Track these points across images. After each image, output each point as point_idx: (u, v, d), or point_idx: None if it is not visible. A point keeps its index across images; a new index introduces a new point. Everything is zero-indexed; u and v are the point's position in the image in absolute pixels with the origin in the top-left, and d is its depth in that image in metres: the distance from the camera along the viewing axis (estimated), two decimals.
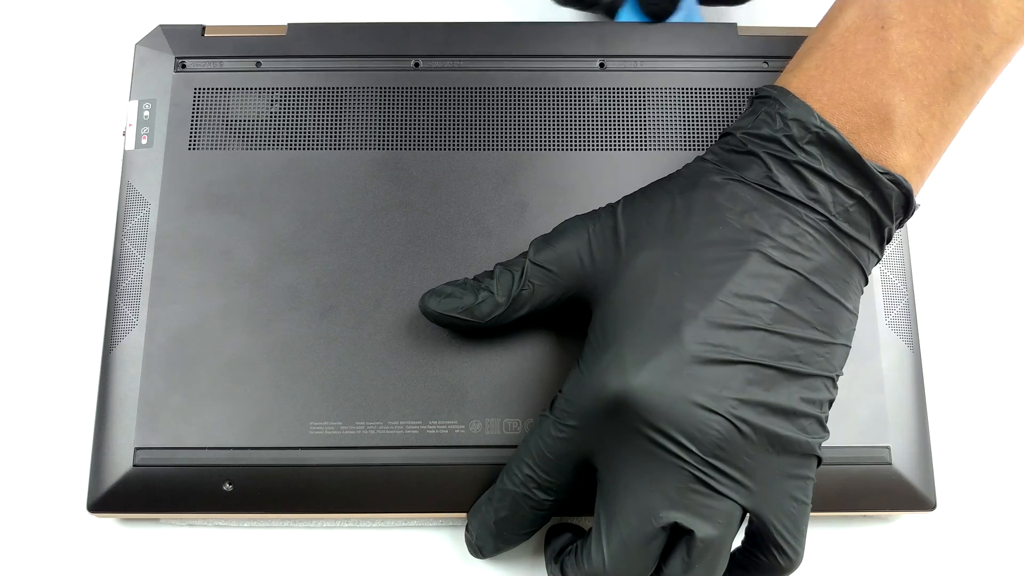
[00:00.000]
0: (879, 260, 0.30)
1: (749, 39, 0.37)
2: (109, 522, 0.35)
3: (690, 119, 0.36)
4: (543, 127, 0.36)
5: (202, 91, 0.36)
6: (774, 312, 0.27)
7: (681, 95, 0.37)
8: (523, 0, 0.43)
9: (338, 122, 0.36)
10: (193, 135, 0.36)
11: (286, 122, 0.36)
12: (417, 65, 0.37)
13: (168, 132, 0.36)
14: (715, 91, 0.37)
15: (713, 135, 0.36)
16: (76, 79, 0.41)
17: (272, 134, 0.36)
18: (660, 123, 0.36)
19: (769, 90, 0.30)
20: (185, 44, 0.37)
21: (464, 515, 0.32)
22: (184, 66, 0.37)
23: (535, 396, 0.33)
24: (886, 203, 0.29)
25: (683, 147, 0.36)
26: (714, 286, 0.27)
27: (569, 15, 0.41)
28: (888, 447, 0.33)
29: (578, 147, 0.36)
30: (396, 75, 0.37)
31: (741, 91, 0.37)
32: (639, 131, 0.36)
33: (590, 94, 0.37)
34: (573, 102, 0.36)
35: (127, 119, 0.36)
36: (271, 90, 0.36)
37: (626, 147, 0.36)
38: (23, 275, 0.38)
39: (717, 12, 0.41)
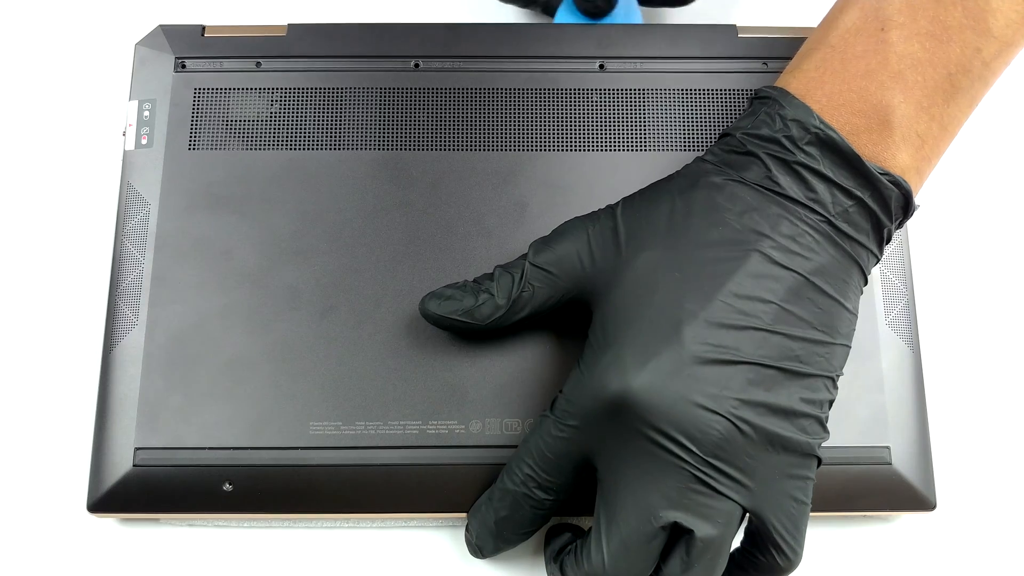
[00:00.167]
0: (878, 260, 0.30)
1: (748, 40, 0.37)
2: (109, 522, 0.35)
3: (690, 120, 0.36)
4: (543, 128, 0.36)
5: (202, 91, 0.36)
6: (774, 312, 0.27)
7: (681, 96, 0.37)
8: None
9: (338, 122, 0.36)
10: (193, 135, 0.36)
11: (286, 122, 0.36)
12: (417, 66, 0.37)
13: (168, 132, 0.36)
14: (715, 92, 0.37)
15: (712, 136, 0.36)
16: (76, 79, 0.41)
17: (272, 134, 0.36)
18: (660, 124, 0.36)
19: (769, 91, 0.30)
20: (185, 44, 0.37)
21: (464, 515, 0.32)
22: (184, 66, 0.37)
23: (535, 396, 0.33)
24: (885, 204, 0.29)
25: (683, 148, 0.36)
26: (714, 286, 0.27)
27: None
28: (888, 447, 0.33)
29: (578, 148, 0.36)
30: (396, 76, 0.37)
31: (740, 92, 0.37)
32: (639, 132, 0.36)
33: (590, 95, 0.37)
34: (573, 103, 0.36)
35: (127, 119, 0.36)
36: (271, 90, 0.36)
37: (626, 148, 0.36)
38: (23, 275, 0.38)
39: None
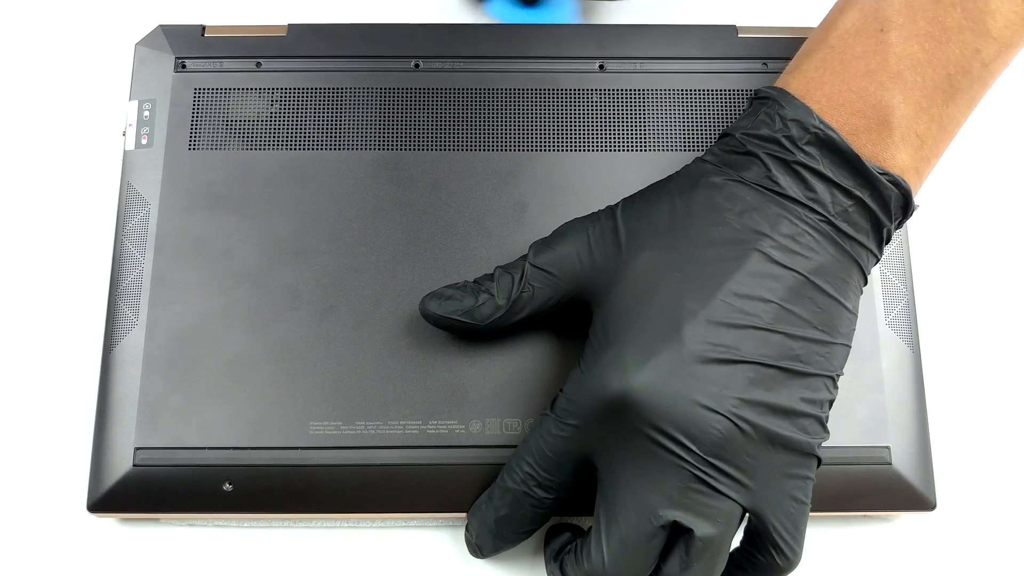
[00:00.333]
0: (878, 260, 0.30)
1: (748, 40, 0.37)
2: (109, 522, 0.35)
3: (690, 120, 0.36)
4: (543, 128, 0.36)
5: (202, 91, 0.36)
6: (774, 311, 0.27)
7: (680, 96, 0.37)
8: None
9: (338, 122, 0.36)
10: (193, 135, 0.36)
11: (286, 122, 0.36)
12: (417, 66, 0.37)
13: (168, 132, 0.36)
14: (714, 92, 0.37)
15: (712, 136, 0.36)
16: (76, 79, 0.41)
17: (272, 134, 0.36)
18: (660, 124, 0.36)
19: (768, 91, 0.30)
20: (185, 44, 0.37)
21: (464, 515, 0.32)
22: (184, 66, 0.37)
23: (535, 396, 0.33)
24: (885, 204, 0.29)
25: (683, 148, 0.36)
26: (714, 285, 0.28)
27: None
28: (888, 447, 0.33)
29: (578, 148, 0.36)
30: (396, 76, 0.37)
31: (740, 92, 0.37)
32: (639, 132, 0.36)
33: (590, 95, 0.37)
34: (573, 103, 0.36)
35: (127, 119, 0.36)
36: (271, 90, 0.36)
37: (626, 148, 0.36)
38: (23, 275, 0.38)
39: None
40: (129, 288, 0.34)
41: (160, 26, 0.37)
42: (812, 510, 0.29)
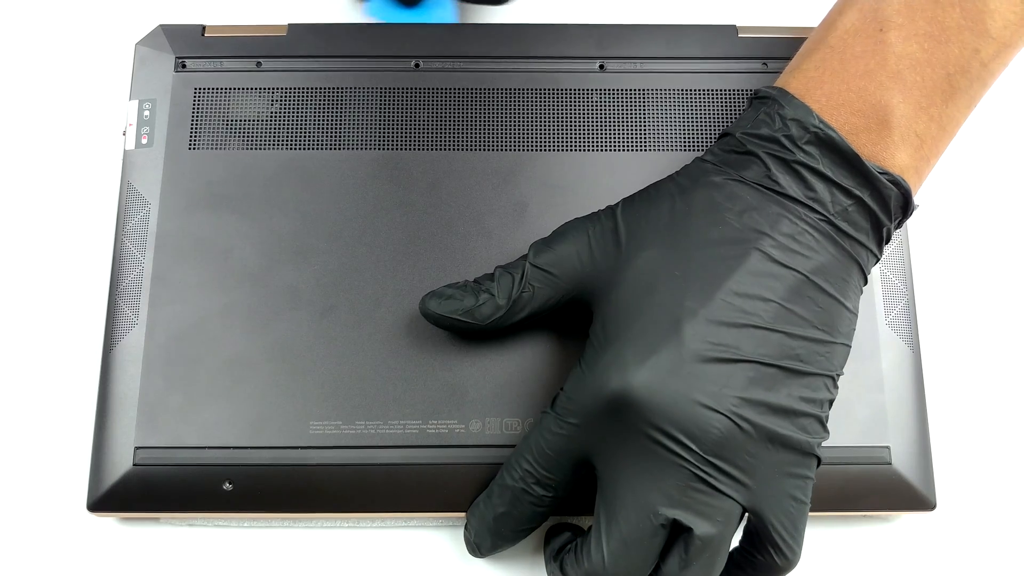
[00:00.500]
0: (878, 260, 0.30)
1: (748, 40, 0.37)
2: (109, 521, 0.35)
3: (690, 120, 0.36)
4: (543, 128, 0.36)
5: (202, 91, 0.36)
6: (775, 311, 0.27)
7: (681, 96, 0.37)
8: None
9: (338, 122, 0.36)
10: (193, 135, 0.36)
11: (286, 122, 0.36)
12: (417, 66, 0.37)
13: (168, 132, 0.36)
14: (714, 92, 0.37)
15: (712, 136, 0.36)
16: (76, 79, 0.41)
17: (272, 134, 0.36)
18: (660, 124, 0.36)
19: (768, 90, 0.30)
20: (185, 44, 0.37)
21: (464, 515, 0.32)
22: (184, 66, 0.37)
23: (535, 396, 0.33)
24: (885, 203, 0.29)
25: (683, 148, 0.36)
26: (714, 284, 0.28)
27: (565, 17, 0.41)
28: (888, 447, 0.33)
29: (578, 148, 0.36)
30: (396, 76, 0.37)
31: (740, 92, 0.37)
32: (639, 132, 0.36)
33: (590, 95, 0.37)
34: (573, 103, 0.36)
35: (127, 119, 0.36)
36: (271, 90, 0.36)
37: (626, 148, 0.36)
38: (23, 274, 0.38)
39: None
40: (129, 288, 0.34)
41: (160, 26, 0.37)
42: (812, 510, 0.29)
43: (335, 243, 0.35)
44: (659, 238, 0.29)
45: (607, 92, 0.37)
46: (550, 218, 0.34)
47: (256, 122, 0.36)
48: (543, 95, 0.37)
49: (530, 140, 0.36)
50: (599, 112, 0.36)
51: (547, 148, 0.36)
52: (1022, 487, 0.36)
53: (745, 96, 0.37)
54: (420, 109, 0.36)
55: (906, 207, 0.29)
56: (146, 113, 0.36)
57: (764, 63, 0.37)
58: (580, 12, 0.42)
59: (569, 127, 0.36)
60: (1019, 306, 0.39)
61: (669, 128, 0.36)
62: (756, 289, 0.27)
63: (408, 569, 0.34)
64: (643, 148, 0.36)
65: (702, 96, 0.37)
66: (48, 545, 0.35)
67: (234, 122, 0.36)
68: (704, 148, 0.36)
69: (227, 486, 0.32)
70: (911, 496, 0.33)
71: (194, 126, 0.36)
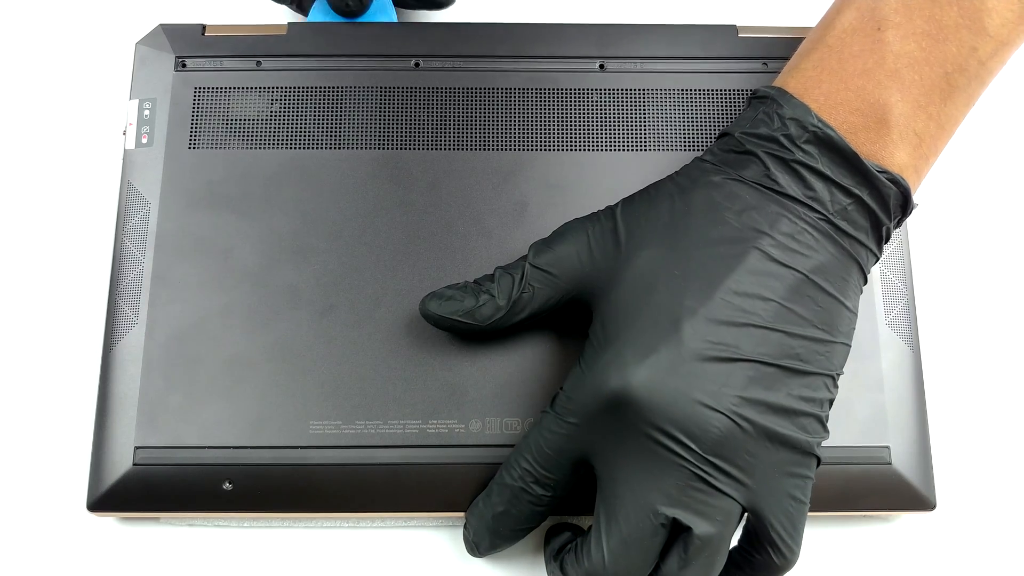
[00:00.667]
0: (877, 259, 0.30)
1: (748, 40, 0.37)
2: (109, 521, 0.35)
3: (690, 120, 0.36)
4: (543, 128, 0.36)
5: (202, 90, 0.36)
6: (774, 310, 0.27)
7: (680, 96, 0.37)
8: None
9: (338, 122, 0.36)
10: (193, 134, 0.36)
11: (286, 122, 0.36)
12: (417, 65, 0.37)
13: (168, 131, 0.36)
14: (715, 92, 0.37)
15: (712, 136, 0.36)
16: (76, 79, 0.41)
17: (272, 134, 0.36)
18: (659, 124, 0.36)
19: (767, 90, 0.30)
20: (185, 43, 0.37)
21: (464, 514, 0.32)
22: (184, 65, 0.37)
23: (535, 396, 0.33)
24: (884, 202, 0.29)
25: (683, 148, 0.36)
26: (714, 284, 0.28)
27: (565, 16, 0.41)
28: (888, 447, 0.33)
29: (578, 148, 0.36)
30: (396, 75, 0.37)
31: (740, 92, 0.37)
32: (639, 132, 0.36)
33: (590, 95, 0.37)
34: (573, 103, 0.37)
35: (127, 118, 0.36)
36: (271, 89, 0.36)
37: (626, 148, 0.36)
38: (23, 274, 0.38)
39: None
40: (129, 287, 0.34)
41: (160, 25, 0.37)
42: (812, 510, 0.29)
43: (335, 243, 0.35)
44: (659, 238, 0.29)
45: (607, 92, 0.37)
46: (550, 218, 0.34)
47: (256, 121, 0.36)
48: (543, 95, 0.37)
49: (530, 140, 0.36)
50: (599, 112, 0.36)
51: (547, 148, 0.36)
52: (1022, 487, 0.36)
53: (745, 96, 0.37)
54: (420, 108, 0.36)
55: (905, 206, 0.29)
56: (146, 112, 0.36)
57: (764, 63, 0.37)
58: (580, 12, 0.42)
59: (569, 127, 0.36)
60: (1019, 306, 0.39)
61: (669, 128, 0.36)
62: (756, 288, 0.27)
63: (408, 569, 0.34)
64: (643, 148, 0.36)
65: (702, 96, 0.37)
66: (48, 545, 0.35)
67: (234, 121, 0.36)
68: (704, 148, 0.36)
69: (227, 486, 0.32)
70: (911, 496, 0.33)
71: (194, 125, 0.36)
